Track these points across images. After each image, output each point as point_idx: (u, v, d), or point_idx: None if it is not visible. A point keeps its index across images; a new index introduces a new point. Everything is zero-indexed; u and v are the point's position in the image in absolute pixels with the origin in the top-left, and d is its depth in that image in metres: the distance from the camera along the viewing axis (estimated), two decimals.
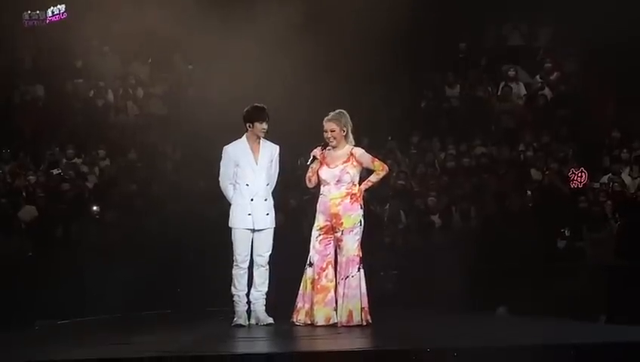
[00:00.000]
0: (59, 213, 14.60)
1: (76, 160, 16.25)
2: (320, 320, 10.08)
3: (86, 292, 12.82)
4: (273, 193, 10.43)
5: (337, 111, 10.27)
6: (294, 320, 10.24)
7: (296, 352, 8.58)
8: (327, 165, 10.20)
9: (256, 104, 10.35)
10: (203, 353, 8.40)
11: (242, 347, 9.24)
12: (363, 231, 10.21)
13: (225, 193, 10.42)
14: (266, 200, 10.30)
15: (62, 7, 15.15)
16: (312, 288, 10.18)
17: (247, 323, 10.33)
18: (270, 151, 10.35)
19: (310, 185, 10.37)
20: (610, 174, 15.33)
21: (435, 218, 14.89)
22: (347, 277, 10.09)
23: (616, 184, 14.90)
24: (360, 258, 10.14)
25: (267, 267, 10.34)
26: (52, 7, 15.09)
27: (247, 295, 10.35)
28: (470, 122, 17.24)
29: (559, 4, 17.47)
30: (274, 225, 10.37)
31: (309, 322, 10.15)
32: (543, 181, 15.37)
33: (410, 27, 16.49)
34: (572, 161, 15.65)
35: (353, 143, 10.28)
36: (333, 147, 10.20)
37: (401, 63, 17.54)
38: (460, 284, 12.64)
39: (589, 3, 16.16)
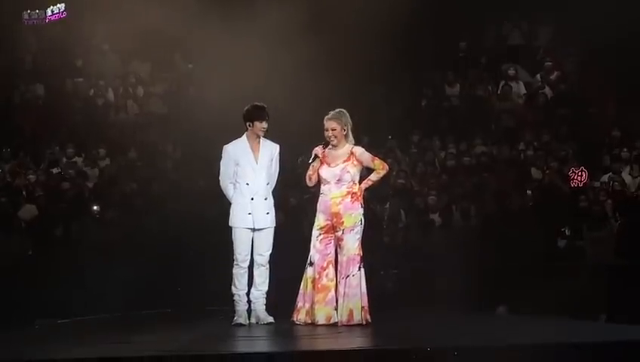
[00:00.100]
0: (59, 212, 14.61)
1: (76, 159, 16.25)
2: (321, 320, 10.08)
3: (86, 291, 12.82)
4: (273, 192, 10.42)
5: (338, 110, 10.27)
6: (294, 319, 10.23)
7: (297, 351, 8.57)
8: (328, 164, 10.20)
9: (255, 103, 10.35)
10: (203, 352, 8.39)
11: (242, 346, 9.23)
12: (363, 230, 10.21)
13: (225, 192, 10.41)
14: (266, 199, 10.30)
15: (61, 5, 15.15)
16: (313, 287, 10.18)
17: (248, 322, 10.33)
18: (270, 150, 10.34)
19: (310, 184, 10.37)
20: (610, 173, 15.34)
21: (435, 217, 14.89)
22: (348, 276, 10.09)
23: (616, 183, 14.91)
24: (361, 257, 10.14)
25: (267, 266, 10.34)
26: (52, 6, 15.08)
27: (248, 294, 10.34)
28: (470, 121, 17.25)
29: (559, 4, 17.47)
30: (274, 225, 10.37)
31: (310, 321, 10.14)
32: (543, 180, 15.37)
33: (410, 26, 16.50)
34: (572, 160, 15.65)
35: (353, 142, 10.27)
36: (334, 146, 10.20)
37: (402, 62, 17.53)
38: (460, 283, 12.64)
39: (589, 2, 16.16)
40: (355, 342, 9.15)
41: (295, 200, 14.35)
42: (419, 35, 17.49)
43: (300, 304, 10.26)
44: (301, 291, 10.28)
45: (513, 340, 8.97)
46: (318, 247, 10.22)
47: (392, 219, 14.80)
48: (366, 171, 10.37)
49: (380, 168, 10.26)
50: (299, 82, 14.77)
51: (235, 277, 10.30)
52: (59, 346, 9.17)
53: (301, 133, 13.23)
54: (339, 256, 10.20)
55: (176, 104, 17.39)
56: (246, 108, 10.33)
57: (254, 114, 10.27)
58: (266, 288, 10.36)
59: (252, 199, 10.23)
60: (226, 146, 10.38)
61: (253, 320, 10.34)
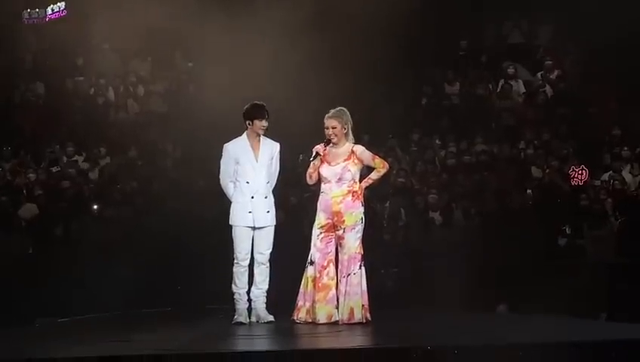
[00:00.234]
0: (59, 210, 14.60)
1: (76, 157, 16.25)
2: (322, 318, 10.07)
3: (86, 289, 12.82)
4: (274, 191, 10.42)
5: (338, 108, 10.27)
6: (295, 318, 10.23)
7: (297, 350, 8.57)
8: (328, 163, 10.20)
9: (255, 101, 10.34)
10: (203, 351, 8.39)
11: (243, 345, 9.23)
12: (364, 229, 10.21)
13: (225, 191, 10.41)
14: (266, 197, 10.29)
15: (61, 4, 15.17)
16: (314, 286, 10.18)
17: (248, 320, 10.32)
18: (270, 149, 10.34)
19: (310, 182, 10.36)
20: (610, 172, 15.33)
21: (436, 215, 14.89)
22: (349, 274, 10.08)
23: (616, 182, 14.91)
24: (362, 255, 10.14)
25: (268, 265, 10.33)
26: (52, 5, 15.10)
27: (248, 293, 10.34)
28: (471, 120, 17.24)
29: (559, 3, 17.46)
30: (274, 223, 10.36)
31: (310, 320, 10.14)
32: (543, 179, 15.37)
33: (411, 25, 16.49)
34: (572, 158, 15.65)
35: (354, 141, 10.27)
36: (334, 144, 10.19)
37: (402, 61, 17.53)
38: (460, 282, 12.64)
39: (589, 1, 16.16)
40: (356, 340, 9.15)
41: (295, 199, 14.35)
42: (420, 33, 17.49)
43: (300, 303, 10.25)
44: (301, 290, 10.27)
45: (513, 339, 8.96)
46: (319, 246, 10.22)
47: (392, 217, 14.79)
48: (366, 170, 10.37)
49: (381, 167, 10.26)
50: (299, 81, 14.77)
51: (235, 275, 10.30)
52: (59, 345, 9.16)
53: (301, 132, 13.23)
54: (339, 254, 10.20)
55: (176, 103, 17.39)
56: (246, 106, 10.33)
57: (254, 112, 10.26)
58: (266, 287, 10.35)
59: (252, 198, 10.23)
60: (226, 145, 10.38)
61: (253, 319, 10.34)
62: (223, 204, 10.52)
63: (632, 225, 13.65)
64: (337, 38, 16.11)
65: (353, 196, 10.15)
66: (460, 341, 8.59)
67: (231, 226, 10.31)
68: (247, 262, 10.27)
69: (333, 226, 10.18)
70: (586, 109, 17.12)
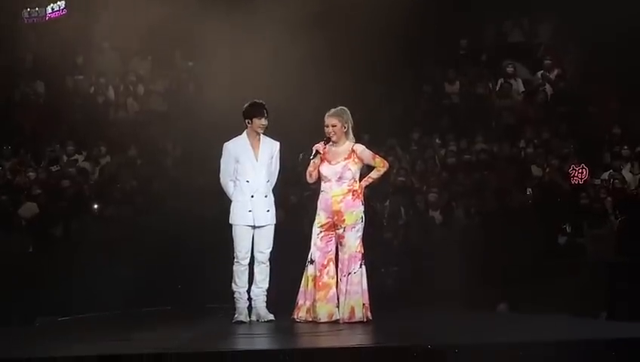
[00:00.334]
0: (59, 210, 14.59)
1: (76, 156, 16.24)
2: (323, 317, 10.08)
3: (86, 288, 12.80)
4: (274, 190, 10.42)
5: (339, 107, 10.28)
6: (295, 317, 10.23)
7: (298, 349, 8.57)
8: (329, 162, 10.20)
9: (254, 100, 10.35)
10: (203, 350, 8.39)
11: (243, 343, 9.24)
12: (364, 228, 10.21)
13: (225, 190, 10.41)
14: (266, 196, 10.29)
15: (61, 3, 15.15)
16: (314, 285, 10.18)
17: (248, 319, 10.32)
18: (270, 148, 10.34)
19: (310, 180, 10.36)
20: (610, 171, 15.33)
21: (436, 214, 14.89)
22: (349, 273, 10.09)
23: (616, 180, 14.91)
24: (362, 254, 10.15)
25: (268, 263, 10.33)
26: (52, 4, 15.08)
27: (248, 291, 10.34)
28: (471, 119, 17.24)
29: (560, 1, 17.46)
30: (274, 222, 10.36)
31: (310, 319, 10.15)
32: (543, 177, 15.37)
33: (411, 24, 16.48)
34: (573, 157, 15.65)
35: (354, 140, 10.27)
36: (334, 142, 10.20)
37: (402, 60, 17.52)
38: (460, 280, 12.63)
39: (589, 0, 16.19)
40: (356, 339, 9.15)
41: (295, 198, 14.34)
42: (420, 33, 17.48)
43: (300, 301, 10.26)
44: (302, 289, 10.28)
45: (513, 338, 8.97)
46: (319, 245, 10.23)
47: (392, 216, 14.79)
48: (366, 169, 10.37)
49: (381, 166, 10.27)
50: (299, 80, 14.77)
51: (235, 274, 10.31)
52: (59, 344, 9.16)
53: (302, 131, 13.22)
54: (340, 253, 10.21)
55: (176, 102, 17.38)
56: (245, 105, 10.34)
57: (253, 111, 10.27)
58: (266, 285, 10.36)
59: (252, 196, 10.23)
60: (226, 144, 10.38)
61: (253, 318, 10.34)
62: (223, 202, 10.53)
63: (632, 224, 13.64)
64: (337, 37, 16.11)
65: (353, 195, 10.15)
66: (460, 340, 8.60)
67: (231, 225, 10.31)
68: (248, 260, 10.28)
69: (334, 225, 10.19)
70: (586, 108, 17.12)
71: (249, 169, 10.24)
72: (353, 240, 10.13)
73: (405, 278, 13.75)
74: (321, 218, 10.24)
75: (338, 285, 10.16)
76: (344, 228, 10.13)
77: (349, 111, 10.28)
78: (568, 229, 14.20)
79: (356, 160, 10.18)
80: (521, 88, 17.74)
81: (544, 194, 14.86)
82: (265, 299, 10.38)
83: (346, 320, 10.01)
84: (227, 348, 8.71)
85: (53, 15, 15.12)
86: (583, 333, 9.28)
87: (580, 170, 14.95)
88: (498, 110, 17.42)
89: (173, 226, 13.77)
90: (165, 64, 18.19)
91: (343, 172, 10.14)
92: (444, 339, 8.70)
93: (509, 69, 17.78)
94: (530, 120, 16.97)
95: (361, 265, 10.13)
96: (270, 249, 10.33)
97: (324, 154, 10.22)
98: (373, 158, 10.27)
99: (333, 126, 10.19)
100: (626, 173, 15.31)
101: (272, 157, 10.35)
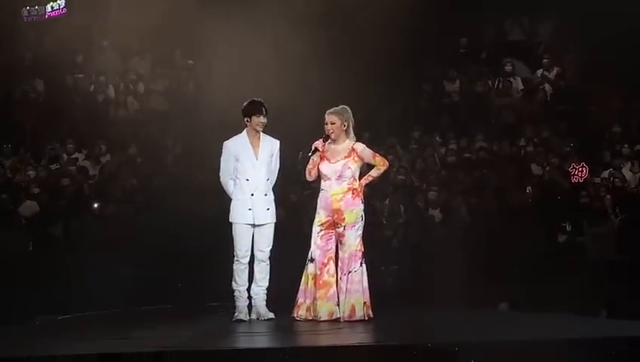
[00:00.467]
0: (59, 208, 14.60)
1: (77, 155, 16.24)
2: (323, 316, 10.08)
3: (86, 287, 12.81)
4: (274, 188, 10.41)
5: (341, 106, 10.28)
6: (295, 315, 10.23)
7: (298, 347, 8.57)
8: (328, 160, 10.20)
9: (253, 98, 10.35)
10: (203, 348, 8.39)
11: (243, 342, 9.23)
12: (364, 226, 10.21)
13: (225, 188, 10.41)
14: (266, 195, 10.29)
15: (61, 2, 15.17)
16: (314, 283, 10.18)
17: (248, 318, 10.32)
18: (270, 146, 10.33)
19: (310, 179, 10.36)
20: (610, 169, 15.34)
21: (436, 212, 14.89)
22: (350, 272, 10.08)
23: (616, 179, 14.92)
24: (362, 253, 10.14)
25: (268, 262, 10.33)
26: (51, 3, 15.09)
27: (248, 290, 10.34)
28: (471, 117, 17.24)
29: (560, 1, 17.48)
30: (274, 220, 10.35)
31: (310, 317, 10.14)
32: (543, 176, 15.37)
33: (412, 23, 16.48)
34: (573, 155, 15.65)
35: (355, 139, 10.26)
36: (333, 140, 10.20)
37: (403, 59, 17.52)
38: (460, 279, 12.63)
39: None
40: (356, 337, 9.15)
41: (295, 197, 14.35)
42: (420, 31, 17.47)
43: (300, 300, 10.26)
44: (302, 287, 10.28)
45: (513, 336, 8.97)
46: (319, 243, 10.22)
47: (392, 214, 14.79)
48: (366, 167, 10.37)
49: (381, 165, 10.27)
50: (300, 78, 14.77)
51: (235, 273, 10.30)
52: (59, 342, 9.15)
53: (302, 129, 13.21)
54: (340, 252, 10.20)
55: (176, 101, 17.38)
56: (244, 103, 10.34)
57: (251, 109, 10.27)
58: (266, 284, 10.35)
59: (252, 195, 10.23)
60: (226, 142, 10.38)
61: (253, 316, 10.34)
62: (223, 201, 10.52)
63: (632, 223, 13.66)
64: (338, 36, 16.12)
65: (353, 193, 10.15)
66: (460, 338, 8.59)
67: (231, 224, 10.31)
68: (248, 259, 10.27)
69: (334, 224, 10.18)
70: (586, 106, 17.12)
71: (249, 167, 10.24)
72: (353, 239, 10.12)
73: (405, 277, 13.75)
74: (321, 216, 10.24)
75: (338, 283, 10.15)
76: (344, 226, 10.13)
77: (350, 110, 10.28)
78: (568, 228, 14.22)
79: (356, 158, 10.17)
80: (520, 86, 17.75)
81: (544, 192, 14.87)
82: (265, 298, 10.37)
83: (347, 319, 10.00)
84: (227, 346, 8.71)
85: (53, 14, 15.14)
86: (583, 332, 9.27)
87: (580, 169, 14.97)
88: (498, 109, 17.42)
89: (173, 225, 13.78)
90: (165, 63, 18.19)
91: (342, 170, 10.13)
92: (444, 338, 8.69)
93: (508, 68, 17.79)
94: (530, 118, 16.97)
95: (361, 263, 10.13)
96: (270, 247, 10.32)
97: (324, 152, 10.22)
98: (374, 157, 10.27)
99: (332, 124, 10.19)
100: (626, 172, 15.32)
101: (272, 156, 10.34)
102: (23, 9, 15.30)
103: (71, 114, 16.99)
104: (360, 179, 10.24)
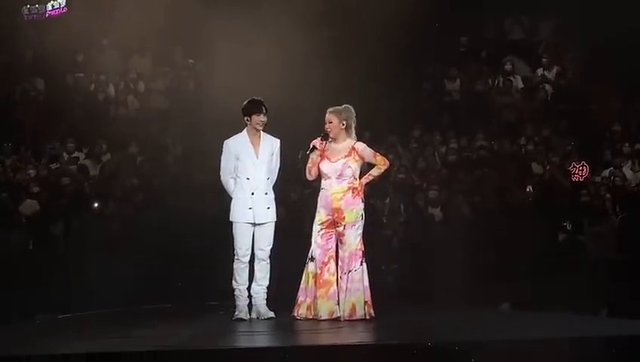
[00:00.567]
0: (59, 207, 14.60)
1: (77, 154, 16.24)
2: (324, 314, 10.07)
3: (86, 286, 12.81)
4: (274, 187, 10.40)
5: (344, 106, 10.27)
6: (295, 314, 10.23)
7: (298, 346, 8.57)
8: (329, 159, 10.19)
9: (253, 97, 10.34)
10: (203, 347, 8.39)
11: (243, 341, 9.23)
12: (364, 225, 10.20)
13: (226, 187, 10.40)
14: (266, 194, 10.28)
15: (62, 0, 15.14)
16: (315, 282, 10.17)
17: (248, 317, 10.31)
18: (271, 145, 10.33)
19: (310, 178, 10.36)
20: (611, 168, 15.33)
21: (436, 211, 14.89)
22: (350, 271, 10.08)
23: (617, 178, 14.91)
24: (362, 252, 10.14)
25: (268, 261, 10.32)
26: (52, 1, 15.08)
27: (248, 289, 10.33)
28: (471, 116, 17.24)
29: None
30: (275, 219, 10.35)
31: (311, 316, 10.14)
32: (544, 175, 15.37)
33: (412, 22, 16.47)
34: (573, 154, 15.65)
35: (356, 138, 10.26)
36: (332, 139, 10.20)
37: (403, 58, 17.52)
38: (460, 278, 12.63)
39: None
40: (356, 336, 9.15)
41: (296, 195, 14.35)
42: (421, 30, 17.47)
43: (301, 298, 10.25)
44: (302, 286, 10.27)
45: (514, 335, 8.96)
46: (319, 242, 10.22)
47: (392, 213, 14.79)
48: (367, 166, 10.37)
49: (382, 164, 10.26)
50: (300, 77, 14.77)
51: (235, 271, 10.29)
52: (59, 341, 9.16)
53: (303, 128, 13.20)
54: (340, 251, 10.20)
55: (177, 99, 17.37)
56: (244, 102, 10.34)
57: (252, 108, 10.26)
58: (266, 283, 10.34)
59: (252, 194, 10.22)
60: (226, 141, 10.37)
61: (253, 315, 10.33)
62: (224, 200, 10.52)
63: (633, 222, 13.66)
64: (339, 35, 16.11)
65: (353, 192, 10.14)
66: (460, 337, 8.59)
67: (231, 222, 10.30)
68: (248, 258, 10.26)
69: (334, 222, 10.18)
70: (586, 105, 17.12)
71: (249, 166, 10.23)
72: (353, 238, 10.12)
73: (405, 276, 13.75)
74: (321, 215, 10.24)
75: (338, 282, 10.15)
76: (344, 225, 10.12)
77: (352, 110, 10.26)
78: (569, 227, 14.22)
79: (356, 158, 10.17)
80: (520, 85, 17.75)
81: (544, 191, 14.87)
82: (265, 297, 10.36)
83: (347, 318, 9.99)
84: (227, 345, 8.71)
85: (53, 12, 15.12)
86: (583, 331, 9.27)
87: (581, 168, 14.97)
88: (498, 107, 17.42)
89: (173, 224, 13.78)
90: (166, 61, 18.19)
91: (342, 169, 10.13)
92: (445, 337, 8.69)
93: (508, 66, 17.80)
94: (531, 117, 16.97)
95: (361, 262, 10.12)
96: (270, 246, 10.31)
97: (324, 151, 10.22)
98: (375, 156, 10.26)
99: (329, 123, 10.20)
100: (627, 171, 15.32)
101: (272, 155, 10.34)
102: (24, 7, 15.29)
103: (71, 113, 16.99)
104: (360, 178, 10.24)
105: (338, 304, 10.11)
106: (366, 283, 10.13)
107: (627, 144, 15.72)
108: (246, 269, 10.29)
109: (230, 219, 10.30)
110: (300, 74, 14.74)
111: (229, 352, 8.21)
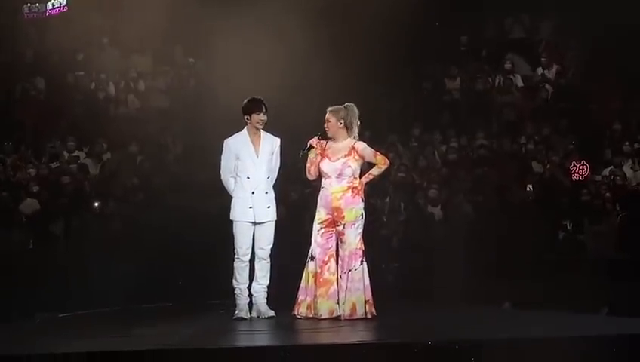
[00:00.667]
0: (59, 206, 14.60)
1: (77, 153, 16.24)
2: (324, 313, 10.08)
3: (86, 285, 12.81)
4: (274, 186, 10.41)
5: (346, 104, 10.26)
6: (296, 313, 10.23)
7: (299, 345, 8.58)
8: (329, 158, 10.19)
9: (253, 96, 10.34)
10: (204, 346, 8.39)
11: (243, 340, 9.23)
12: (364, 224, 10.20)
13: (226, 186, 10.40)
14: (267, 193, 10.28)
15: None
16: (315, 281, 10.17)
17: (249, 316, 10.31)
18: (271, 144, 10.33)
19: (310, 177, 10.36)
20: (611, 167, 15.33)
21: (436, 210, 14.89)
22: (350, 270, 10.08)
23: (617, 177, 14.91)
24: (363, 251, 10.13)
25: (268, 260, 10.32)
26: (52, 0, 15.06)
27: (249, 288, 10.33)
28: (471, 115, 17.24)
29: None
30: (275, 218, 10.35)
31: (311, 315, 10.14)
32: (544, 174, 15.37)
33: (413, 20, 16.47)
34: (573, 153, 15.65)
35: (357, 138, 10.25)
36: (331, 137, 10.20)
37: (403, 57, 17.51)
38: (460, 277, 12.63)
39: None
40: (357, 335, 9.16)
41: (296, 195, 14.35)
42: (421, 29, 17.47)
43: (301, 298, 10.25)
44: (302, 285, 10.27)
45: (514, 333, 8.96)
46: (320, 241, 10.22)
47: (392, 212, 14.79)
48: (367, 165, 10.36)
49: (382, 163, 10.25)
50: (301, 76, 14.77)
51: (235, 270, 10.29)
52: (59, 340, 9.16)
53: (303, 127, 13.18)
54: (340, 250, 10.20)
55: (177, 98, 17.37)
56: (244, 101, 10.34)
57: (251, 106, 10.26)
58: (267, 282, 10.34)
59: (253, 193, 10.22)
60: (226, 140, 10.37)
61: (254, 314, 10.33)
62: (224, 199, 10.52)
63: (633, 221, 13.66)
64: (339, 33, 16.10)
65: (353, 192, 10.14)
66: (461, 336, 8.59)
67: (231, 221, 10.30)
68: (248, 257, 10.26)
69: (334, 222, 10.18)
70: (586, 104, 17.12)
71: (249, 165, 10.23)
72: (353, 237, 10.12)
73: (405, 274, 13.75)
74: (321, 214, 10.24)
75: (338, 282, 10.15)
76: (344, 224, 10.12)
77: (353, 109, 10.24)
78: (569, 226, 14.22)
79: (356, 157, 10.17)
80: (520, 84, 17.75)
81: (545, 190, 14.87)
82: (265, 296, 10.36)
83: (347, 317, 9.99)
84: (228, 344, 8.71)
85: (53, 11, 15.09)
86: (583, 330, 9.27)
87: (581, 167, 14.96)
88: (499, 106, 17.42)
89: (173, 223, 13.78)
90: (166, 60, 18.18)
91: (342, 169, 10.13)
92: (445, 335, 8.69)
93: (508, 65, 17.80)
94: (531, 116, 16.97)
95: (362, 261, 10.12)
96: (271, 245, 10.31)
97: (324, 150, 10.21)
98: (375, 156, 10.26)
99: (327, 121, 10.22)
100: (627, 170, 15.32)
101: (272, 154, 10.33)
102: (24, 6, 15.25)
103: (72, 112, 16.99)
104: (361, 177, 10.24)
105: (338, 303, 10.11)
106: (366, 282, 10.13)
107: (627, 143, 15.72)
108: (246, 268, 10.29)
109: (230, 218, 10.30)
110: (300, 73, 14.74)
111: (229, 351, 8.21)
